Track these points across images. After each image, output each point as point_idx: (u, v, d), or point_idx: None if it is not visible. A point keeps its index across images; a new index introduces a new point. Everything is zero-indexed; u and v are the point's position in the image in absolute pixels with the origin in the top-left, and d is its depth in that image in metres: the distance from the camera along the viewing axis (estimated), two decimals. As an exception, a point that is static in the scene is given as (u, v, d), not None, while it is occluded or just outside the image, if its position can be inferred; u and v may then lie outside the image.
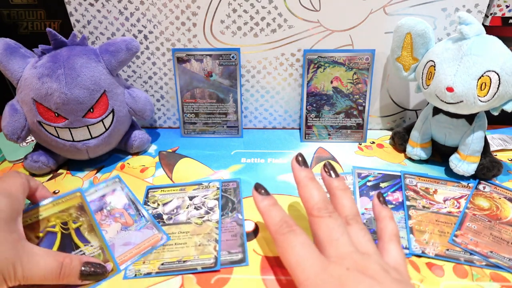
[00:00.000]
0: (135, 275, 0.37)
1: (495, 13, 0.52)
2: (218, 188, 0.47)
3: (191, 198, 0.46)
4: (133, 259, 0.38)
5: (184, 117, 0.59)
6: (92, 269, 0.35)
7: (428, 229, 0.42)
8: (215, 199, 0.46)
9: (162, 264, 0.38)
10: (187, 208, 0.45)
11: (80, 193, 0.43)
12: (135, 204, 0.45)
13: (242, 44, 0.54)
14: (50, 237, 0.39)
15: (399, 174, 0.50)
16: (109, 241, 0.40)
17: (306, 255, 0.30)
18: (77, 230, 0.41)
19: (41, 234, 0.39)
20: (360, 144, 0.58)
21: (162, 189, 0.48)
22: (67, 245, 0.39)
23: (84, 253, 0.38)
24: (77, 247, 0.39)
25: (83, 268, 0.34)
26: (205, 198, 0.46)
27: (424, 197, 0.46)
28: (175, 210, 0.44)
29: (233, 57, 0.54)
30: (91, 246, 0.39)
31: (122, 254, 0.39)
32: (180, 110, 0.58)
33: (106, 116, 0.48)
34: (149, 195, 0.47)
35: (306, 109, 0.57)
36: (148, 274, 0.37)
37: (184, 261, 0.38)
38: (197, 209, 0.44)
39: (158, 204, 0.45)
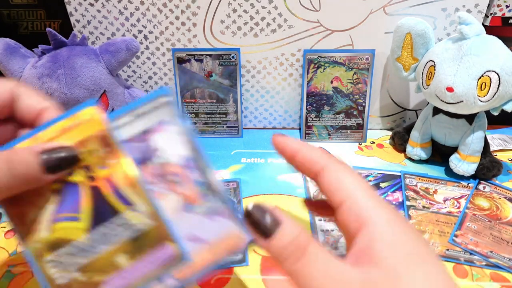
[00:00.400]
0: None
1: (495, 13, 0.52)
2: None
3: None
4: (203, 269, 0.24)
5: (184, 117, 0.59)
6: (55, 155, 0.23)
7: (428, 229, 0.42)
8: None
9: None
10: None
11: (95, 110, 0.24)
12: (200, 161, 0.25)
13: (242, 44, 0.54)
14: (71, 192, 0.24)
15: (399, 174, 0.50)
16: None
17: None
18: (110, 181, 0.24)
19: (56, 186, 0.24)
20: (360, 144, 0.58)
21: None
22: (100, 208, 0.23)
23: (127, 223, 0.23)
24: (115, 212, 0.23)
25: (43, 157, 0.22)
26: None
27: (424, 197, 0.46)
28: None
29: (233, 57, 0.54)
30: (137, 210, 0.24)
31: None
32: (180, 110, 0.58)
33: (106, 116, 0.48)
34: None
35: (306, 109, 0.57)
36: None
37: None
38: None
39: None
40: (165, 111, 0.25)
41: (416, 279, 0.20)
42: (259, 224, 0.22)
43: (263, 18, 0.52)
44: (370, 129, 0.61)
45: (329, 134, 0.58)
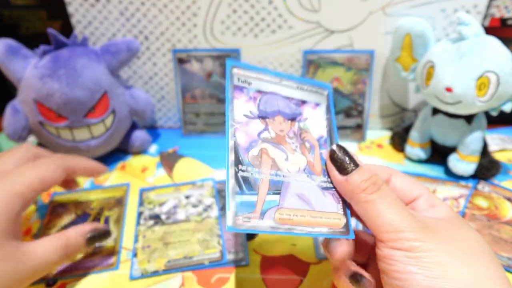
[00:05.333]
0: (142, 274, 0.37)
1: (494, 14, 0.53)
2: (212, 187, 0.48)
3: (187, 197, 0.46)
4: (295, 225, 0.26)
5: (185, 117, 0.59)
6: (97, 232, 0.36)
7: (427, 229, 0.42)
8: (211, 197, 0.46)
9: (168, 261, 0.38)
10: (184, 206, 0.45)
11: (126, 187, 0.48)
12: (331, 142, 0.31)
13: (242, 45, 0.54)
14: (84, 217, 0.44)
15: (398, 174, 0.50)
16: (283, 175, 0.27)
17: None
18: (107, 218, 0.44)
19: (79, 212, 0.45)
20: (360, 144, 0.58)
21: (155, 190, 0.48)
22: None
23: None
24: None
25: (89, 235, 0.35)
26: (201, 196, 0.46)
27: (424, 197, 0.46)
28: (173, 209, 0.45)
29: (233, 57, 0.54)
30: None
31: (289, 209, 0.26)
32: (180, 110, 0.58)
33: (107, 116, 0.49)
34: (143, 197, 0.47)
35: (306, 109, 0.57)
36: (155, 272, 0.37)
37: (190, 257, 0.38)
38: (195, 207, 0.45)
39: (154, 205, 0.45)
40: (322, 98, 0.32)
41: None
42: (342, 161, 0.27)
43: (263, 19, 0.52)
44: (370, 129, 0.61)
45: (329, 134, 0.58)
